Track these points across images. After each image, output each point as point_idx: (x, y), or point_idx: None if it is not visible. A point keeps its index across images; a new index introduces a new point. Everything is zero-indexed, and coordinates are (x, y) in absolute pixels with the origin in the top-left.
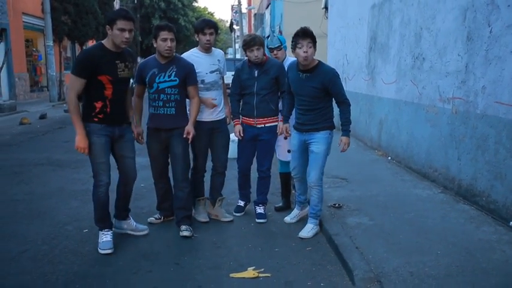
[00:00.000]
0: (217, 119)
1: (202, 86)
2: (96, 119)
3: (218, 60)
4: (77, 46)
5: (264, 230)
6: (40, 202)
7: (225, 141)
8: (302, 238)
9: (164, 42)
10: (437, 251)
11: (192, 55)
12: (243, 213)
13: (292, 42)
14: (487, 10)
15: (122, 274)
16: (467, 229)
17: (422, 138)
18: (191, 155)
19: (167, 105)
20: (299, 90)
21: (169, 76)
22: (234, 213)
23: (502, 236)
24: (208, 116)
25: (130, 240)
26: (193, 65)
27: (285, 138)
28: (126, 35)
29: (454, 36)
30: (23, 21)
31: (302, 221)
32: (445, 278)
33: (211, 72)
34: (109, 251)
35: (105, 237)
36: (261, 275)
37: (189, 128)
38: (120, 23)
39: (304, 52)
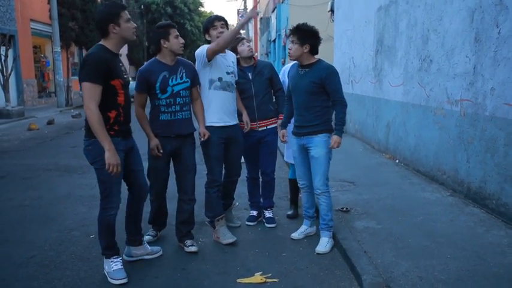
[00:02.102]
0: (234, 123)
1: (219, 83)
2: (112, 132)
3: (232, 62)
4: (84, 52)
5: (271, 234)
6: (48, 208)
7: (241, 150)
8: (320, 254)
9: (177, 39)
10: (446, 255)
11: None
12: (255, 222)
13: None
14: (495, 11)
15: (128, 280)
16: (477, 233)
17: (430, 140)
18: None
19: (184, 108)
20: (296, 86)
21: (181, 78)
22: (247, 222)
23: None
24: (223, 120)
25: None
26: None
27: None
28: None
29: (461, 37)
30: (31, 28)
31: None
32: (456, 283)
33: (228, 73)
34: (125, 280)
35: (115, 265)
36: (268, 280)
37: (204, 130)
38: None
39: (289, 49)
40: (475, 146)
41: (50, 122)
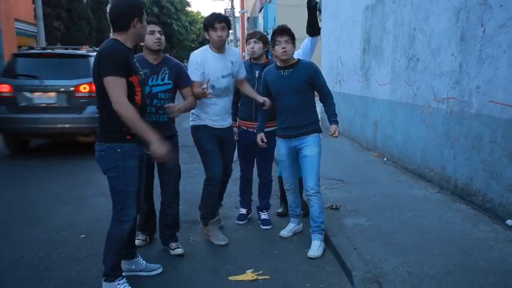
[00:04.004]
0: (227, 126)
1: (211, 91)
2: (129, 137)
3: (232, 62)
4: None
5: (262, 232)
6: (36, 208)
7: (233, 151)
8: (312, 258)
9: (152, 35)
10: (435, 251)
11: (205, 53)
12: (245, 221)
13: (271, 40)
14: (479, 10)
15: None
16: (464, 228)
17: (417, 138)
18: (189, 166)
19: (160, 111)
20: (283, 88)
21: (163, 79)
22: (237, 221)
23: (499, 234)
24: (218, 122)
25: None
26: (182, 65)
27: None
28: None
29: (447, 36)
30: (16, 28)
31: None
32: (444, 277)
33: (223, 76)
34: None
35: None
36: (259, 277)
37: (178, 105)
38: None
39: (282, 48)
40: (461, 144)
41: None
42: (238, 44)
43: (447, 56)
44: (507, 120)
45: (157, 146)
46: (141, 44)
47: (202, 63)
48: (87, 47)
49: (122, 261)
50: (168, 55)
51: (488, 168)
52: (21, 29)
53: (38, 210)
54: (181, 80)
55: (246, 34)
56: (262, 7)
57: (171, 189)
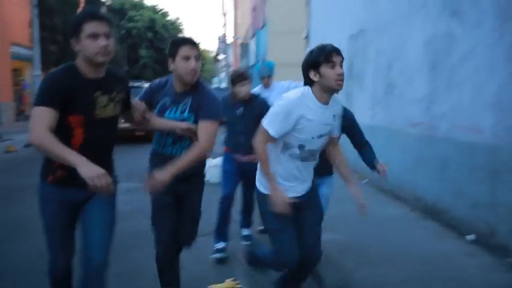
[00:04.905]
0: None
1: (297, 152)
2: (50, 178)
3: (334, 116)
4: None
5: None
6: (31, 224)
7: (318, 214)
8: None
9: (186, 61)
10: (401, 262)
11: (305, 102)
12: (251, 241)
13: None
14: (447, 42)
15: None
16: (430, 243)
17: (394, 161)
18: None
19: (177, 144)
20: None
21: (182, 111)
22: (244, 242)
23: (460, 248)
24: (297, 191)
25: (115, 259)
26: (215, 97)
27: None
28: (103, 42)
29: (420, 65)
30: (11, 51)
31: None
32: (403, 284)
33: (320, 136)
34: None
35: None
36: (238, 286)
37: (161, 176)
38: (89, 27)
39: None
40: (431, 165)
41: (28, 145)
42: (230, 69)
43: (420, 83)
44: (471, 144)
45: (85, 169)
46: (172, 68)
47: (298, 117)
48: None
49: None
50: (203, 83)
51: (454, 188)
52: (17, 53)
53: (33, 227)
54: (200, 111)
55: (236, 73)
56: (254, 34)
57: (185, 239)
